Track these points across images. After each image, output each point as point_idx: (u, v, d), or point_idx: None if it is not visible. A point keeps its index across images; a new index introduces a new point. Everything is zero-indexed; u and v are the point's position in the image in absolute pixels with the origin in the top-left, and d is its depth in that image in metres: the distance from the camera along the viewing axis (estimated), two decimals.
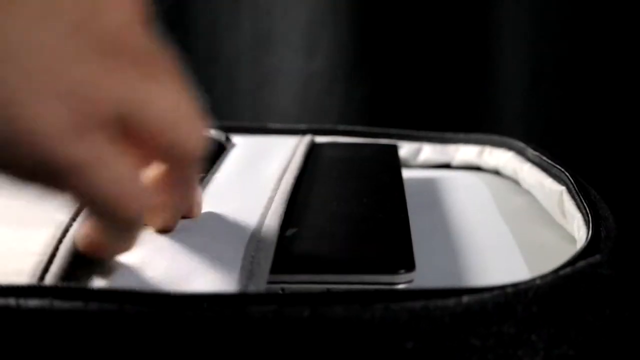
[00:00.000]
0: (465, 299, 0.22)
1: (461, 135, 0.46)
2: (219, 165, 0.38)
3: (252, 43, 0.68)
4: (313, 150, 0.42)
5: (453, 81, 0.65)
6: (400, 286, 0.26)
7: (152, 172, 0.26)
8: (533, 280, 0.23)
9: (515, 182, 0.42)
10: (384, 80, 0.66)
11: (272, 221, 0.29)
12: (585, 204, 0.31)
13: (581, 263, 0.25)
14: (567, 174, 0.34)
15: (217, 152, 0.40)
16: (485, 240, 0.33)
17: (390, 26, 0.65)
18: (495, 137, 0.44)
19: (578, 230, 0.31)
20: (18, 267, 0.25)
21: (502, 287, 0.23)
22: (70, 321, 0.21)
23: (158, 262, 0.26)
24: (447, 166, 0.46)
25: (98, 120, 0.20)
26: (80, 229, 0.25)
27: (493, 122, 0.65)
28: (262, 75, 0.68)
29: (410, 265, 0.26)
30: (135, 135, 0.22)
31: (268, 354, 0.21)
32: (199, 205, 0.30)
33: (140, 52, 0.22)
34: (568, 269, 0.24)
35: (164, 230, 0.28)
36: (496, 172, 0.44)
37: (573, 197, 0.33)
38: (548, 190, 0.36)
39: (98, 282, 0.25)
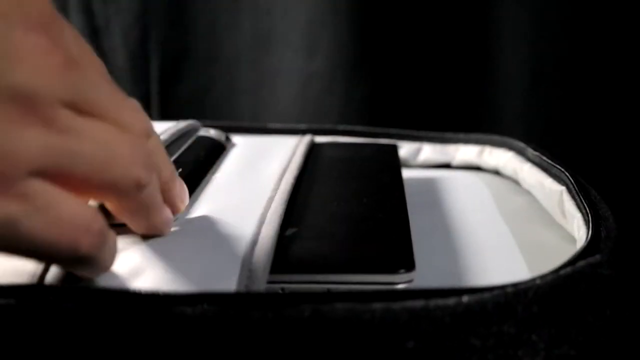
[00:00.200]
0: (465, 298, 0.22)
1: (461, 135, 0.46)
2: (218, 165, 0.38)
3: (252, 43, 0.68)
4: (313, 150, 0.42)
5: (453, 81, 0.65)
6: (400, 286, 0.26)
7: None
8: (533, 280, 0.23)
9: (515, 182, 0.42)
10: (384, 80, 0.66)
11: (272, 221, 0.29)
12: (585, 204, 0.31)
13: (581, 263, 0.25)
14: (567, 174, 0.34)
15: (217, 152, 0.40)
16: (485, 240, 0.33)
17: (390, 26, 0.65)
18: (495, 137, 0.44)
19: (578, 230, 0.31)
20: (18, 267, 0.25)
21: (503, 287, 0.23)
22: (71, 321, 0.21)
23: (158, 261, 0.26)
24: (447, 166, 0.46)
25: (14, 178, 0.20)
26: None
27: (493, 122, 0.65)
28: (262, 75, 0.68)
29: (410, 265, 0.26)
30: (70, 184, 0.22)
31: (268, 354, 0.21)
32: (183, 199, 0.29)
33: (66, 89, 0.22)
34: (568, 269, 0.24)
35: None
36: (496, 172, 0.44)
37: (573, 197, 0.33)
38: (548, 190, 0.36)
39: (98, 282, 0.25)
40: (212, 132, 0.43)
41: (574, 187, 0.33)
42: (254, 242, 0.27)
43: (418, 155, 0.46)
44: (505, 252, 0.32)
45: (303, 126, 0.47)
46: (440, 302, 0.22)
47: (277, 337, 0.21)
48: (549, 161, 0.37)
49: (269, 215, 0.30)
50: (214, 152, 0.40)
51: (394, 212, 0.31)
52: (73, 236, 0.21)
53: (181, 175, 0.30)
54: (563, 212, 0.34)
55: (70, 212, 0.21)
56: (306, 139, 0.43)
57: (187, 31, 0.68)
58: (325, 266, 0.27)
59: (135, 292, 0.22)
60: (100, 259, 0.23)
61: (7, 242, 0.20)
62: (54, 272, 0.25)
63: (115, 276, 0.25)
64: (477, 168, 0.45)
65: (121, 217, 0.26)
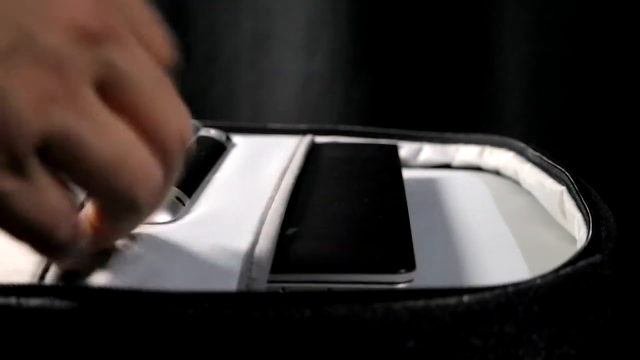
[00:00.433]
0: (466, 298, 0.22)
1: (461, 136, 0.46)
2: (219, 165, 0.38)
3: (251, 43, 0.68)
4: (313, 151, 0.42)
5: (453, 81, 0.65)
6: (401, 286, 0.26)
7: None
8: (534, 279, 0.23)
9: (516, 183, 0.42)
10: (384, 80, 0.66)
11: (273, 221, 0.29)
12: (585, 204, 0.31)
13: (582, 263, 0.25)
14: (567, 174, 0.34)
15: (217, 152, 0.40)
16: (485, 240, 0.33)
17: (390, 26, 0.65)
18: (496, 137, 0.44)
19: (578, 230, 0.31)
20: (19, 267, 0.25)
21: (503, 287, 0.23)
22: (71, 320, 0.21)
23: (158, 261, 0.26)
24: (447, 166, 0.46)
25: (16, 152, 0.19)
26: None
27: (493, 122, 0.65)
28: (261, 75, 0.68)
29: (410, 265, 0.26)
30: (69, 171, 0.20)
31: (269, 354, 0.21)
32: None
33: (103, 61, 0.20)
34: (569, 269, 0.24)
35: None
36: (496, 173, 0.44)
37: (573, 197, 0.33)
38: (548, 191, 0.36)
39: (98, 281, 0.25)
40: (212, 132, 0.43)
41: (574, 187, 0.33)
42: (255, 242, 0.27)
43: (418, 156, 0.46)
44: (505, 252, 0.32)
45: (303, 126, 0.47)
46: (441, 301, 0.22)
47: (278, 336, 0.21)
48: (550, 161, 0.37)
49: (269, 215, 0.30)
50: (214, 152, 0.40)
51: (395, 212, 0.31)
52: (52, 221, 0.20)
53: (182, 175, 0.30)
54: (563, 212, 0.34)
55: (55, 198, 0.20)
56: (306, 139, 0.43)
57: (187, 31, 0.68)
58: (325, 266, 0.27)
59: (136, 292, 0.22)
60: (69, 252, 0.22)
61: None
62: (54, 271, 0.25)
63: (115, 276, 0.25)
64: (477, 168, 0.45)
65: (95, 219, 0.24)
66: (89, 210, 0.24)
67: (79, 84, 0.19)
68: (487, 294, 0.22)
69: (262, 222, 0.29)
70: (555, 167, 0.36)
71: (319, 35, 0.66)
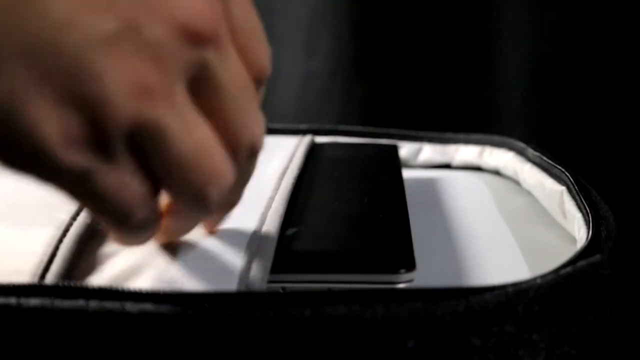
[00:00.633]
0: (466, 298, 0.22)
1: (461, 136, 0.46)
2: None
3: None
4: (313, 151, 0.42)
5: (453, 81, 0.65)
6: (401, 285, 0.26)
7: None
8: (534, 279, 0.23)
9: (516, 183, 0.42)
10: (384, 80, 0.66)
11: (273, 221, 0.29)
12: (585, 204, 0.31)
13: (582, 263, 0.25)
14: (567, 174, 0.34)
15: None
16: (485, 240, 0.33)
17: (390, 26, 0.65)
18: (496, 137, 0.44)
19: (578, 230, 0.31)
20: (19, 267, 0.25)
21: (503, 287, 0.23)
22: (71, 320, 0.21)
23: (158, 261, 0.26)
24: (447, 166, 0.46)
25: (105, 135, 0.19)
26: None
27: (493, 122, 0.65)
28: None
29: (410, 265, 0.26)
30: (151, 163, 0.21)
31: (269, 354, 0.21)
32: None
33: (201, 62, 0.21)
34: (569, 269, 0.24)
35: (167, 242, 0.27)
36: (496, 173, 0.44)
37: (573, 197, 0.33)
38: (548, 191, 0.36)
39: (99, 281, 0.25)
40: None
41: (574, 187, 0.33)
42: (255, 242, 0.27)
43: (418, 156, 0.46)
44: (505, 252, 0.32)
45: (303, 126, 0.47)
46: (441, 301, 0.22)
47: (278, 336, 0.21)
48: (550, 161, 0.37)
49: (269, 214, 0.30)
50: None
51: (395, 212, 0.31)
52: (131, 202, 0.21)
53: None
54: (563, 212, 0.34)
55: (136, 182, 0.21)
56: (306, 139, 0.43)
57: None
58: (326, 266, 0.27)
59: (136, 292, 0.22)
60: (140, 235, 0.23)
61: (76, 188, 0.20)
62: (54, 271, 0.25)
63: (115, 276, 0.25)
64: (477, 168, 0.45)
65: (171, 216, 0.25)
66: (163, 201, 0.24)
67: (175, 80, 0.20)
68: (487, 294, 0.22)
69: (262, 222, 0.29)
70: (555, 167, 0.36)
71: (319, 35, 0.66)
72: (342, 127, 0.47)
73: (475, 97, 0.66)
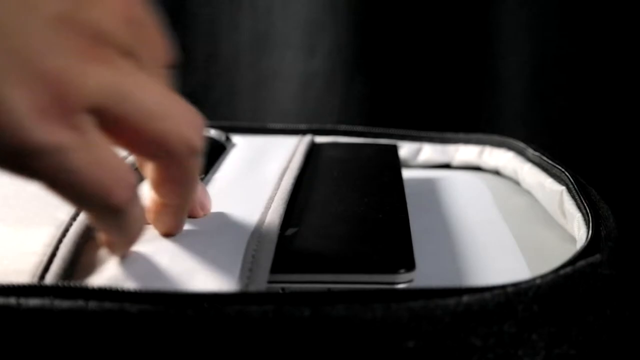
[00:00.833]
0: (465, 298, 0.22)
1: (461, 135, 0.46)
2: (219, 165, 0.38)
3: (251, 43, 0.68)
4: (313, 150, 0.42)
5: (453, 81, 0.65)
6: (401, 286, 0.26)
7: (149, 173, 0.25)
8: (533, 279, 0.23)
9: (516, 182, 0.42)
10: (383, 80, 0.66)
11: (273, 221, 0.29)
12: (585, 204, 0.31)
13: (581, 263, 0.25)
14: (567, 174, 0.34)
15: (217, 152, 0.40)
16: (485, 240, 0.33)
17: (390, 26, 0.65)
18: (496, 137, 0.44)
19: (578, 230, 0.31)
20: (18, 267, 0.25)
21: (503, 287, 0.23)
22: (71, 320, 0.21)
23: (158, 261, 0.26)
24: (447, 166, 0.46)
25: (72, 106, 0.20)
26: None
27: (493, 122, 0.66)
28: (261, 75, 0.68)
29: (410, 265, 0.26)
30: (120, 129, 0.22)
31: (268, 354, 0.21)
32: (204, 206, 0.30)
33: (128, 44, 0.22)
34: (568, 269, 0.24)
35: (167, 234, 0.27)
36: (496, 172, 0.44)
37: (573, 197, 0.33)
38: (548, 190, 0.36)
39: (98, 281, 0.25)
40: (212, 132, 0.43)
41: (574, 187, 0.33)
42: (255, 242, 0.27)
43: (418, 155, 0.46)
44: (505, 252, 0.32)
45: (303, 126, 0.47)
46: (441, 301, 0.22)
47: (278, 336, 0.21)
48: (549, 161, 0.37)
49: (269, 215, 0.30)
50: (214, 153, 0.40)
51: (394, 212, 0.31)
52: (109, 181, 0.21)
53: None
54: (563, 212, 0.34)
55: (110, 159, 0.21)
56: (306, 139, 0.43)
57: (186, 31, 0.68)
58: (325, 266, 0.27)
59: (135, 292, 0.22)
60: (126, 218, 0.23)
61: (50, 170, 0.20)
62: (54, 271, 0.25)
63: (114, 276, 0.25)
64: (477, 168, 0.45)
65: (159, 190, 0.25)
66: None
67: (115, 54, 0.22)
68: (486, 294, 0.22)
69: (262, 222, 0.29)
70: (555, 167, 0.36)
71: (318, 35, 0.66)
72: (342, 127, 0.47)
73: (475, 97, 0.66)
